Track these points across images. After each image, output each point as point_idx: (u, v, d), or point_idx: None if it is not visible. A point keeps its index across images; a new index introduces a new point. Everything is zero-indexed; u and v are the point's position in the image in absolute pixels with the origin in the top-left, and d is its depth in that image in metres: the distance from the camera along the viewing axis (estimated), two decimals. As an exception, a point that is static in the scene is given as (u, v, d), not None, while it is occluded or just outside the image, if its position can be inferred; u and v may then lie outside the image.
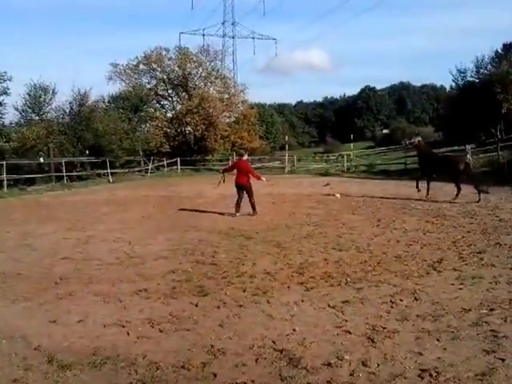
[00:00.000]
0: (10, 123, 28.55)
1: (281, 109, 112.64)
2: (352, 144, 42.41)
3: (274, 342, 4.62)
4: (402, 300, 5.70)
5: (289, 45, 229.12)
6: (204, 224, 11.72)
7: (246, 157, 14.52)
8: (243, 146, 40.40)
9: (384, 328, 4.85)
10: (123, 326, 5.12)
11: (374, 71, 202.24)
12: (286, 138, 44.99)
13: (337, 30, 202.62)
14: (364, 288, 6.22)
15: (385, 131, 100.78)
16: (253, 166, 37.45)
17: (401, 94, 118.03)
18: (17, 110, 30.38)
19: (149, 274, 7.24)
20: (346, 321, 5.10)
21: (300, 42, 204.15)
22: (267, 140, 52.00)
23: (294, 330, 4.90)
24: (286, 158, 37.37)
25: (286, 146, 40.86)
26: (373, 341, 4.56)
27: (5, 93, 23.45)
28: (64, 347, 4.65)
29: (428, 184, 14.95)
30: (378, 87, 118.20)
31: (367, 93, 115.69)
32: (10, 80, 23.22)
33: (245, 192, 13.07)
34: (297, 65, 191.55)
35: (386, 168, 33.06)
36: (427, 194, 14.79)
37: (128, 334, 4.93)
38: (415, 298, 5.74)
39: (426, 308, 5.39)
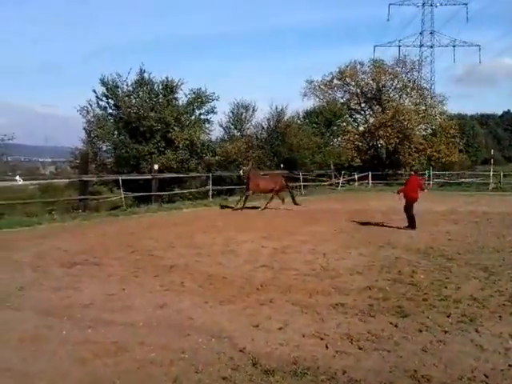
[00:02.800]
0: (216, 139, 31.28)
1: (484, 120, 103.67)
2: None
3: (486, 376, 4.23)
4: None
5: (493, 51, 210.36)
6: (400, 241, 11.32)
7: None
8: (440, 160, 38.19)
9: None
10: (321, 339, 5.15)
11: None
12: (492, 151, 41.15)
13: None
14: None
15: None
16: (450, 181, 35.54)
17: None
18: (221, 126, 33.22)
19: (344, 288, 7.21)
20: None
21: (508, 48, 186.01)
22: (467, 154, 48.18)
23: (510, 365, 4.41)
24: (491, 173, 34.16)
25: (491, 160, 37.32)
26: None
27: (212, 111, 25.69)
28: (266, 352, 4.84)
29: None
30: None
31: None
32: (217, 100, 25.40)
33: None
34: (503, 72, 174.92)
35: None
36: None
37: (327, 347, 4.95)
38: None
39: None
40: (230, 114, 33.39)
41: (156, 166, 20.86)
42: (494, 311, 5.98)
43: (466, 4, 75.48)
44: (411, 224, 13.14)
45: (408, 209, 13.37)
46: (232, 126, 33.81)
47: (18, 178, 15.86)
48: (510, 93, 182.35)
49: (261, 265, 8.87)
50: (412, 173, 15.08)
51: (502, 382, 4.09)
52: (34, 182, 22.87)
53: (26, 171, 31.79)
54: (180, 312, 6.10)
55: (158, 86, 24.28)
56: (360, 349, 4.89)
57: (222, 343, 5.07)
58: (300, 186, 29.10)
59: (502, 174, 34.21)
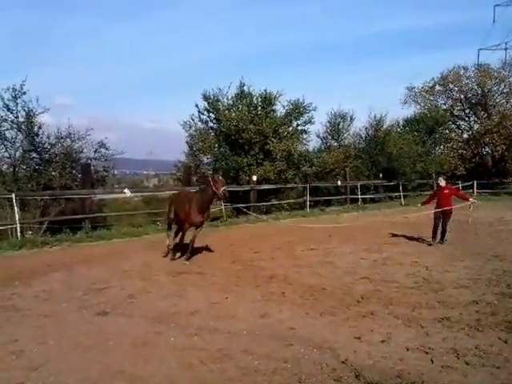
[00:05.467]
0: (313, 149, 31.31)
1: None
2: None
3: None
4: None
5: None
6: (508, 253, 10.70)
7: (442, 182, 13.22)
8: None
9: None
10: (426, 353, 5.07)
11: None
12: None
13: None
14: None
15: None
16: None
17: None
18: (318, 136, 33.18)
19: (449, 301, 7.00)
20: None
21: None
22: None
23: None
24: None
25: None
26: None
27: (309, 122, 25.75)
28: (369, 364, 4.85)
29: None
30: None
31: None
32: (314, 110, 25.45)
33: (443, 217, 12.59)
34: None
35: None
36: None
37: (432, 361, 4.86)
38: None
39: None
40: (327, 124, 33.33)
41: (254, 178, 21.35)
42: None
43: None
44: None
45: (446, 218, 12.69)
46: (329, 136, 33.71)
47: (126, 190, 16.93)
48: None
49: (360, 277, 8.84)
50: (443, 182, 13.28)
51: None
52: (139, 194, 24.19)
53: (130, 184, 33.79)
54: (281, 322, 6.25)
55: (257, 98, 24.82)
56: (467, 364, 4.75)
57: (323, 354, 5.14)
58: (400, 195, 28.37)
59: None
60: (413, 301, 7.08)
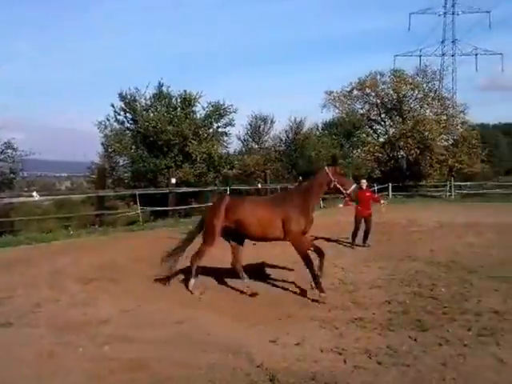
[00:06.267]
0: (234, 152, 31.45)
1: (507, 129, 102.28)
2: None
3: (506, 391, 4.11)
4: None
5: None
6: (420, 254, 11.15)
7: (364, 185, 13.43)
8: (462, 171, 37.71)
9: None
10: (340, 354, 5.10)
11: None
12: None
13: None
14: None
15: None
16: (473, 192, 35.00)
17: None
18: (239, 139, 33.50)
19: (363, 302, 7.15)
20: None
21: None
22: (490, 164, 47.55)
23: (531, 380, 4.30)
24: (515, 183, 33.63)
25: (514, 170, 36.90)
26: None
27: (230, 124, 25.83)
28: (283, 367, 4.80)
29: None
30: None
31: None
32: (235, 112, 25.52)
33: (365, 220, 12.81)
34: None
35: None
36: None
37: (345, 362, 4.89)
38: None
39: None
40: (248, 127, 33.60)
41: (173, 180, 20.96)
42: (516, 324, 5.85)
43: (489, 12, 74.88)
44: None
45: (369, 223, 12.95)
46: (250, 139, 33.98)
47: (34, 193, 16.01)
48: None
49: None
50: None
51: (524, 397, 4.00)
52: (49, 197, 22.98)
53: (41, 187, 32.15)
54: (198, 328, 6.07)
55: (176, 99, 24.52)
56: (379, 364, 4.82)
57: (239, 359, 5.03)
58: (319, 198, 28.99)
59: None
60: (329, 302, 7.13)
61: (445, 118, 39.88)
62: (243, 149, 34.11)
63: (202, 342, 5.52)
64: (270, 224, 7.51)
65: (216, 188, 24.87)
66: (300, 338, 5.60)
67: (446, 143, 40.71)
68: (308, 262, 7.40)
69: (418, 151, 37.70)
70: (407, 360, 4.88)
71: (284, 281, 8.64)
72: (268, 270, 9.52)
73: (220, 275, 9.10)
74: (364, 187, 13.30)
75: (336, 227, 15.93)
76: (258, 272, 9.21)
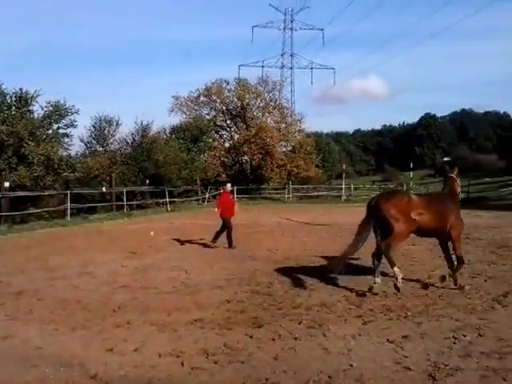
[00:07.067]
0: (76, 154, 29.93)
1: (338, 137, 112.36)
2: (411, 172, 41.70)
3: (330, 378, 4.48)
4: (465, 336, 5.45)
5: (347, 73, 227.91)
6: (260, 253, 11.69)
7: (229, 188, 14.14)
8: (299, 175, 40.42)
9: (446, 365, 4.63)
10: (178, 356, 5.11)
11: (433, 99, 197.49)
12: (344, 166, 44.82)
13: (396, 57, 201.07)
14: (424, 322, 5.99)
15: (446, 159, 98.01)
16: (308, 194, 37.80)
17: (462, 121, 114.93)
18: (82, 141, 31.96)
19: (204, 303, 7.26)
20: (406, 357, 4.90)
21: (358, 71, 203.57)
22: (323, 168, 51.72)
23: (351, 365, 4.74)
24: (343, 186, 37.04)
25: (343, 174, 40.64)
26: (434, 378, 4.36)
27: (72, 125, 24.56)
28: (120, 376, 4.68)
29: None
30: (438, 114, 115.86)
31: (427, 120, 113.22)
32: (77, 113, 24.32)
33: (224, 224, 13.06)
34: (355, 93, 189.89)
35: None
36: None
37: (182, 364, 4.91)
38: (479, 334, 5.49)
39: (490, 344, 5.13)
40: (92, 129, 32.26)
41: (7, 184, 19.27)
42: (340, 315, 6.40)
43: (323, 30, 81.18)
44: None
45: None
46: (94, 141, 32.66)
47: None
48: (360, 112, 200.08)
49: (120, 285, 8.61)
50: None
51: (344, 382, 4.37)
52: None
53: None
54: (26, 342, 5.65)
55: (11, 97, 22.65)
56: (215, 363, 4.92)
57: (72, 371, 4.78)
58: (167, 201, 28.82)
59: (352, 187, 37.26)
60: (169, 305, 7.13)
61: (284, 125, 42.79)
62: (87, 151, 32.64)
63: (31, 357, 5.15)
64: (447, 221, 7.81)
65: (56, 192, 23.40)
66: (138, 344, 5.50)
67: (285, 149, 43.57)
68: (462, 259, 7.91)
69: (261, 156, 39.74)
70: (242, 357, 5.05)
71: (126, 286, 8.46)
72: (108, 277, 9.23)
73: (53, 285, 8.59)
74: (228, 190, 13.85)
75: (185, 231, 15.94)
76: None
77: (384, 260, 7.58)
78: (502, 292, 7.28)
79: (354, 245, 7.84)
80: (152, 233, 13.29)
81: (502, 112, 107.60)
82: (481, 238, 12.70)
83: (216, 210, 13.31)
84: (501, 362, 4.63)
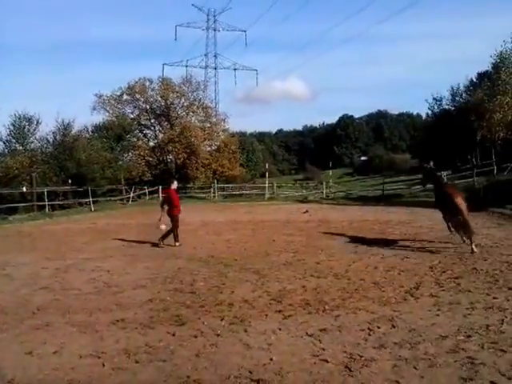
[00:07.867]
0: (-6, 153, 28.60)
1: (261, 137, 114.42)
2: (331, 171, 43.30)
3: (250, 372, 4.60)
4: (379, 327, 5.71)
5: (269, 75, 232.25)
6: (184, 252, 11.70)
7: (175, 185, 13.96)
8: (224, 174, 40.67)
9: (361, 356, 4.85)
10: (99, 357, 5.07)
11: (350, 100, 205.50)
12: (267, 165, 45.61)
13: (315, 60, 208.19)
14: (342, 315, 6.23)
15: (363, 158, 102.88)
16: (233, 193, 38.13)
17: (378, 122, 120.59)
18: (1, 140, 30.57)
19: (127, 303, 7.20)
20: (324, 349, 5.09)
21: (280, 72, 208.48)
22: (248, 168, 52.42)
23: (271, 359, 4.89)
24: (266, 185, 37.65)
25: (266, 173, 41.33)
26: (350, 370, 4.55)
27: (-11, 124, 23.36)
28: (38, 379, 4.61)
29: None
30: (356, 116, 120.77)
31: (345, 121, 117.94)
32: (-6, 111, 23.17)
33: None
34: (276, 94, 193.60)
35: (365, 194, 33.65)
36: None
37: (103, 365, 4.88)
38: (392, 325, 5.76)
39: (403, 335, 5.41)
40: (12, 127, 30.95)
41: None
42: (261, 310, 6.57)
43: (245, 31, 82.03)
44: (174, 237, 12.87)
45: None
46: (13, 140, 31.35)
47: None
48: (282, 113, 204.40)
49: (40, 287, 8.38)
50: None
51: (264, 376, 4.51)
52: None
53: None
54: None
55: None
56: (137, 362, 4.93)
57: (-13, 377, 4.64)
58: (90, 201, 27.99)
59: (275, 185, 38.03)
60: (91, 306, 7.02)
61: (208, 125, 42.89)
62: (6, 150, 31.26)
63: None
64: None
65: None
66: (58, 346, 5.41)
67: (209, 148, 43.64)
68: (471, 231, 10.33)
69: (186, 155, 39.55)
70: (164, 355, 5.09)
71: (46, 288, 8.20)
72: (27, 279, 8.91)
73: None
74: (174, 187, 13.73)
75: (107, 231, 15.58)
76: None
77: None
78: (414, 284, 7.68)
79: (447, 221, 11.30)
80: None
81: (415, 113, 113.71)
82: (394, 233, 13.38)
83: (165, 211, 13.08)
84: (412, 352, 4.89)
